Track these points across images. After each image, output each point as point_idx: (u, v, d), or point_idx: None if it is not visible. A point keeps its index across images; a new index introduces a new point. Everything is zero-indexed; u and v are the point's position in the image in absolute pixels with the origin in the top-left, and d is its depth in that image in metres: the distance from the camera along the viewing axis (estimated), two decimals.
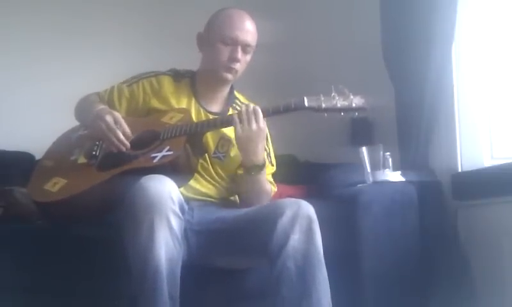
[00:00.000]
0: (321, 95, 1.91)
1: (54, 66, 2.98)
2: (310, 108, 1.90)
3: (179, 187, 1.80)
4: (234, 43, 2.02)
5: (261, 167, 1.96)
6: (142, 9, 3.12)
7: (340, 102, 1.90)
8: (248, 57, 2.07)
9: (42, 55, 2.99)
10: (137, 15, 3.12)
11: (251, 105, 1.94)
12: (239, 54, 2.02)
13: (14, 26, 3.01)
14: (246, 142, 1.92)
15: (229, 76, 2.06)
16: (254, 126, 1.90)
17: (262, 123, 1.91)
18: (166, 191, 1.72)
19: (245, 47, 2.04)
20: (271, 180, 2.13)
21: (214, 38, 2.05)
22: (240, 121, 1.90)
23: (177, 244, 1.74)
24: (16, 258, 2.04)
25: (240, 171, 2.04)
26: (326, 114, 1.91)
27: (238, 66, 2.04)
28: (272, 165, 2.16)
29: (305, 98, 1.91)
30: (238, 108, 2.08)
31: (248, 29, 2.04)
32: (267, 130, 2.11)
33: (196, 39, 2.12)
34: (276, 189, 2.14)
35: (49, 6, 3.04)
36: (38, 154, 2.54)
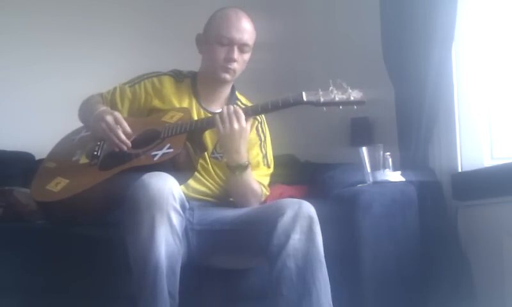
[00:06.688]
0: (319, 90, 1.91)
1: (55, 67, 2.98)
2: (308, 102, 1.90)
3: (180, 185, 1.81)
4: (230, 43, 2.02)
5: (244, 167, 1.96)
6: (144, 9, 3.12)
7: (338, 96, 1.90)
8: (246, 57, 2.06)
9: (42, 56, 3.00)
10: (139, 16, 3.12)
11: (231, 107, 1.93)
12: (235, 54, 2.02)
13: (14, 26, 3.01)
14: (228, 142, 1.92)
15: (227, 76, 2.05)
16: (235, 125, 1.90)
17: (244, 122, 1.91)
18: (167, 188, 1.73)
19: (242, 47, 2.03)
20: (264, 182, 2.12)
21: (211, 38, 2.05)
22: (222, 121, 1.90)
23: (177, 240, 1.75)
24: (16, 258, 2.04)
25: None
26: (324, 109, 1.91)
27: (235, 66, 2.04)
28: (269, 167, 2.14)
29: (304, 93, 1.90)
30: None
31: (244, 28, 2.03)
32: (267, 132, 2.13)
33: (196, 40, 2.12)
34: (268, 193, 2.13)
35: (50, 7, 3.05)
36: (38, 154, 2.55)
